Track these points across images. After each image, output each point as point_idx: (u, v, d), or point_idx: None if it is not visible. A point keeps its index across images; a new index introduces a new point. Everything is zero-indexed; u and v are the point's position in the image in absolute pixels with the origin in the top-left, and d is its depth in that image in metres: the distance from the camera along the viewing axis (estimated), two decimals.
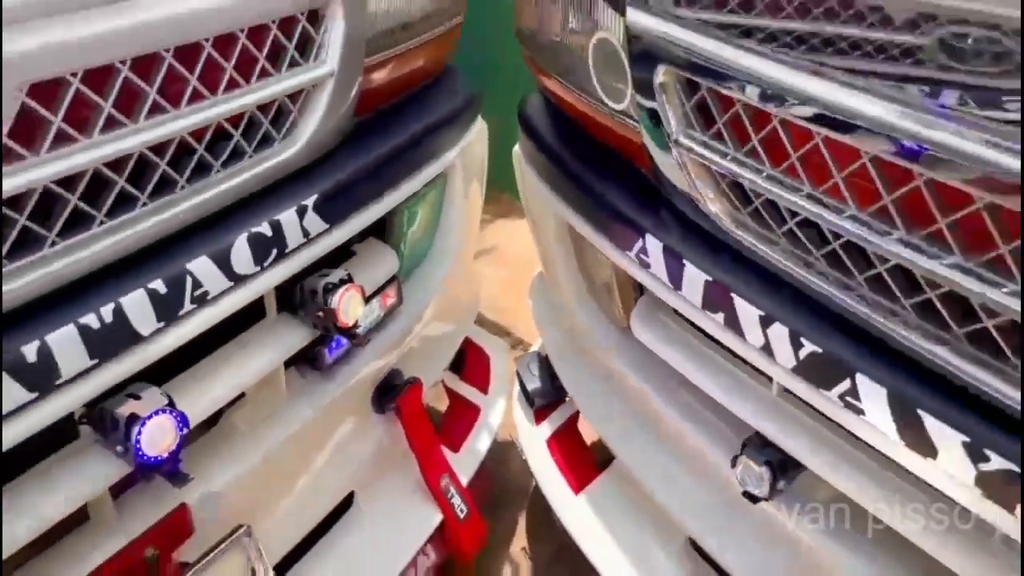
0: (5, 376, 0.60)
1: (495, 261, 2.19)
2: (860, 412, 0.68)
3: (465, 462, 1.21)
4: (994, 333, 0.57)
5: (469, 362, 1.38)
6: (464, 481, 1.16)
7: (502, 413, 1.33)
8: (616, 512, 1.11)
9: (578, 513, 1.13)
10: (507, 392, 1.35)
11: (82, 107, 0.63)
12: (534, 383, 1.27)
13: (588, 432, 1.27)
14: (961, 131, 0.53)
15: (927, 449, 0.63)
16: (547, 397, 1.27)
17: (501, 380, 1.37)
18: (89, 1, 0.61)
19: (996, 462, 0.59)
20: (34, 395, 0.62)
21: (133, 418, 0.68)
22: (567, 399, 1.27)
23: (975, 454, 0.60)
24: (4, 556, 0.65)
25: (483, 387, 1.34)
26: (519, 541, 1.41)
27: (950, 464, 0.62)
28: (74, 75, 0.61)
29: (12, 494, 0.67)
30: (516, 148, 1.18)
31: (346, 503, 1.09)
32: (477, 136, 1.21)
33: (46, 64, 0.59)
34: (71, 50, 0.60)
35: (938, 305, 0.60)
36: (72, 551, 0.75)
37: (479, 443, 1.25)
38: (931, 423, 0.63)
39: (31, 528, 0.67)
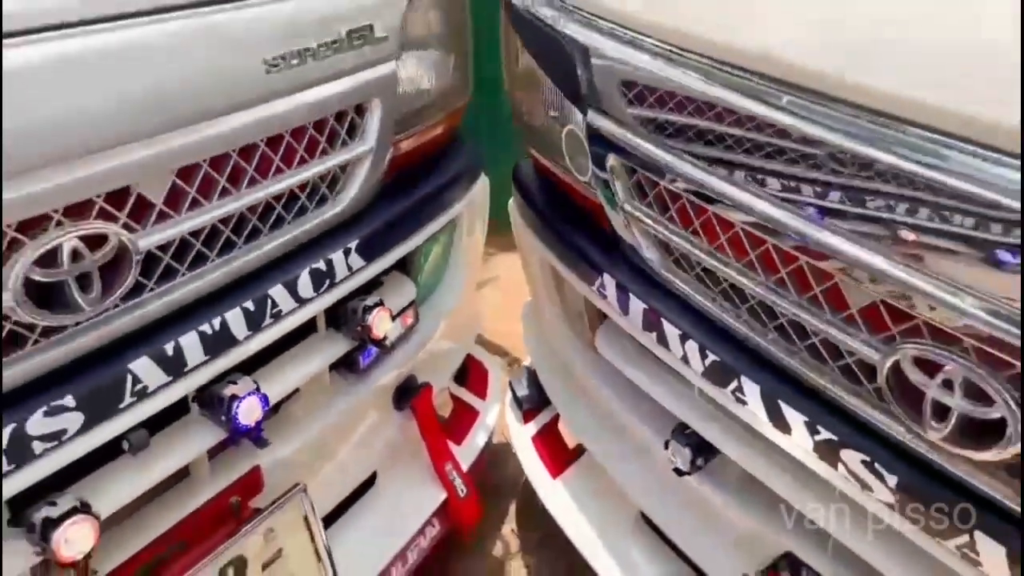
0: (151, 362, 0.89)
1: (497, 288, 2.48)
2: (744, 403, 0.96)
3: (466, 453, 1.50)
4: (822, 350, 0.85)
5: (471, 374, 1.66)
6: (464, 468, 1.44)
7: (497, 416, 1.61)
8: (584, 493, 1.40)
9: (555, 493, 1.42)
10: (501, 399, 1.64)
11: (206, 183, 0.93)
12: (523, 391, 1.56)
13: (567, 434, 1.55)
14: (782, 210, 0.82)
15: (785, 428, 0.91)
16: (533, 403, 1.55)
17: (496, 389, 1.65)
18: (216, 109, 0.91)
19: (824, 434, 0.87)
20: (169, 379, 0.91)
21: (233, 397, 0.97)
22: (550, 405, 1.55)
23: (811, 429, 0.88)
24: (143, 491, 0.93)
25: (482, 394, 1.63)
26: (510, 524, 1.68)
27: (799, 438, 0.90)
28: (204, 161, 0.92)
29: (145, 453, 0.95)
30: (511, 202, 1.47)
31: (370, 481, 1.38)
32: (480, 190, 1.51)
33: (188, 154, 0.89)
34: (202, 144, 0.90)
35: (789, 330, 0.88)
36: (177, 499, 1.03)
37: (478, 439, 1.54)
38: (787, 410, 0.91)
39: (158, 476, 0.96)
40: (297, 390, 1.17)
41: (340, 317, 1.19)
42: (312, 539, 1.12)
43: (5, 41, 0.71)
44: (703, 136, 0.92)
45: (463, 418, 1.58)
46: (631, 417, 1.23)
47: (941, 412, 0.72)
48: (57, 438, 0.81)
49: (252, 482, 1.07)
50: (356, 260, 1.15)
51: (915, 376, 0.73)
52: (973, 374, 0.68)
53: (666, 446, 1.13)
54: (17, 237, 0.75)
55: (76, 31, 0.76)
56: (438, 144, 1.40)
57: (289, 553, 1.08)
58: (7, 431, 0.77)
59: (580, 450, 1.47)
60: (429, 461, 1.40)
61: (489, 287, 2.47)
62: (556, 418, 1.54)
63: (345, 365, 1.25)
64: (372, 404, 1.31)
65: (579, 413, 1.40)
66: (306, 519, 1.11)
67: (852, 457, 0.84)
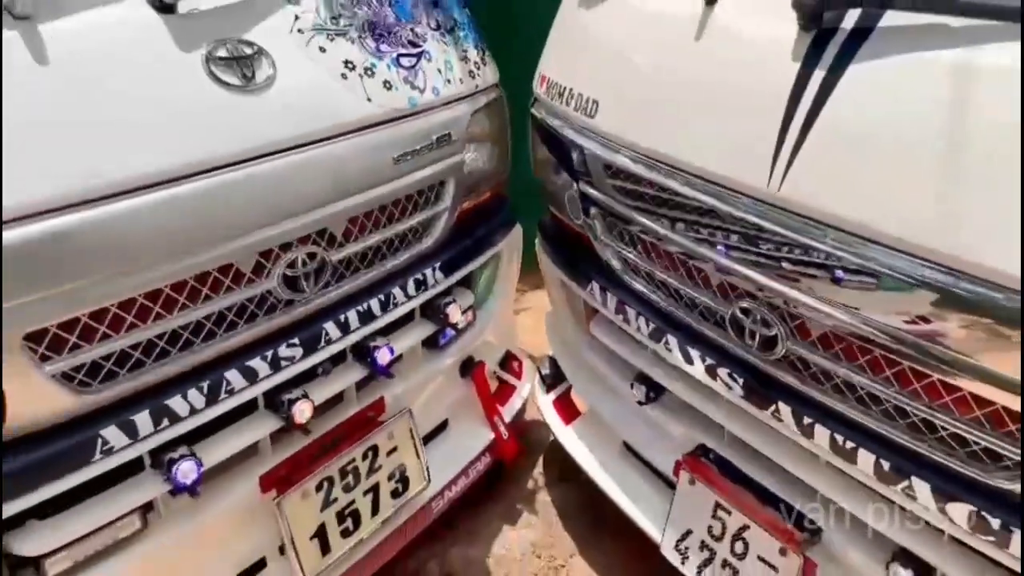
0: (335, 325, 1.61)
1: (530, 315, 3.18)
2: (670, 351, 1.65)
3: (507, 412, 2.19)
4: (707, 314, 1.54)
5: (511, 363, 2.36)
6: (507, 420, 2.13)
7: (529, 391, 2.30)
8: (585, 434, 2.08)
9: (566, 435, 2.10)
10: (532, 381, 2.33)
11: (362, 225, 1.66)
12: (546, 371, 2.25)
13: (575, 400, 2.23)
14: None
15: (691, 362, 1.60)
16: (553, 379, 2.25)
17: (528, 375, 2.34)
18: (368, 185, 1.64)
19: (708, 361, 1.55)
20: (341, 335, 1.63)
21: (375, 348, 1.68)
22: (564, 380, 2.24)
23: (702, 360, 1.57)
24: (326, 398, 1.64)
25: (518, 376, 2.32)
26: (538, 470, 2.36)
27: (698, 367, 1.58)
28: (361, 214, 1.65)
29: (328, 376, 1.66)
30: (537, 242, 2.18)
31: (443, 426, 2.08)
32: (515, 234, 2.22)
33: (353, 210, 1.62)
34: (360, 205, 1.63)
35: (691, 304, 1.58)
36: (338, 412, 1.74)
37: (515, 403, 2.23)
38: (691, 351, 1.59)
39: (331, 392, 1.66)
40: (400, 356, 1.88)
41: (429, 310, 1.90)
42: (414, 443, 1.82)
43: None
44: (647, 198, 1.64)
45: (505, 391, 2.27)
46: (611, 372, 1.91)
47: (751, 335, 1.41)
48: (290, 360, 1.53)
49: (379, 405, 1.78)
50: (439, 275, 1.87)
51: (740, 316, 1.42)
52: (763, 312, 1.38)
53: (631, 386, 1.82)
54: (278, 252, 1.48)
55: (302, 149, 1.50)
56: (488, 204, 2.13)
57: (401, 449, 1.79)
58: (281, 349, 1.49)
59: (580, 412, 2.16)
60: (483, 414, 2.10)
61: (524, 314, 3.18)
62: (568, 390, 2.23)
63: (431, 343, 1.96)
64: (446, 371, 2.01)
65: (582, 380, 2.10)
66: (411, 430, 1.81)
67: (723, 372, 1.52)
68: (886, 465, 1.28)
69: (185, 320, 1.35)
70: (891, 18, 1.17)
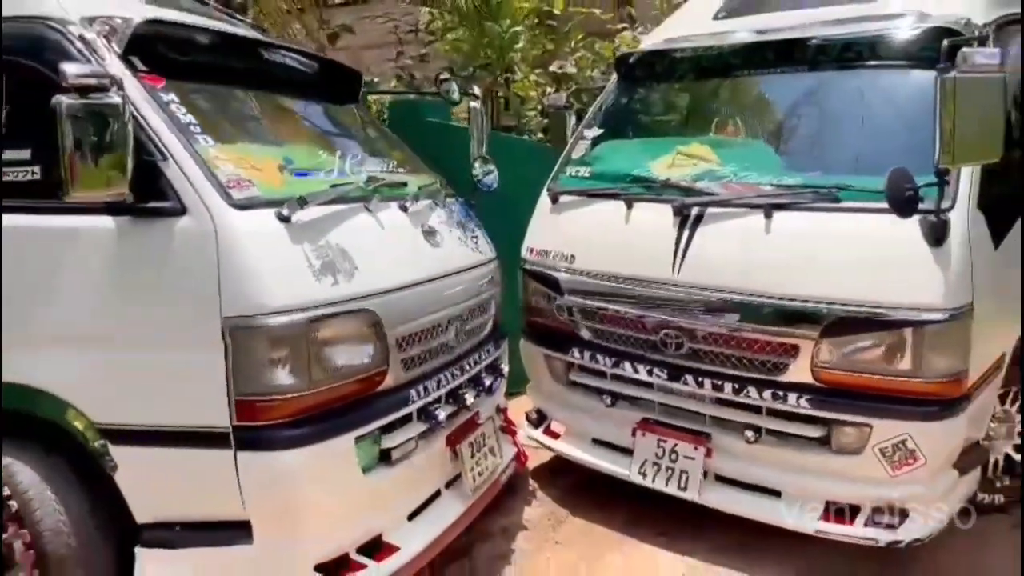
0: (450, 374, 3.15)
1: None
2: (628, 370, 3.36)
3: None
4: (644, 348, 3.30)
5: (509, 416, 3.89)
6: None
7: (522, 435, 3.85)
8: (568, 441, 3.66)
9: (557, 444, 3.67)
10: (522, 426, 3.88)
11: None
12: (533, 416, 3.83)
13: (555, 429, 3.81)
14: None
15: (639, 373, 3.31)
16: (539, 420, 3.82)
17: (522, 421, 3.89)
18: (473, 295, 3.26)
19: (644, 374, 3.28)
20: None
21: (487, 379, 3.23)
22: (546, 419, 3.81)
23: (648, 372, 3.29)
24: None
25: (516, 425, 3.86)
26: (535, 480, 3.85)
27: (644, 374, 3.31)
28: None
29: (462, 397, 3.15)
30: (520, 342, 3.83)
31: None
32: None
33: (469, 308, 3.24)
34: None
35: (634, 342, 3.33)
36: (454, 420, 3.20)
37: (519, 436, 3.77)
38: (639, 368, 3.32)
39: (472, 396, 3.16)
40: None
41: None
42: (507, 432, 3.32)
43: None
44: (607, 297, 3.41)
45: (511, 427, 3.80)
46: (585, 399, 3.56)
47: (670, 346, 3.18)
48: (460, 376, 3.04)
49: (473, 421, 3.26)
50: (492, 348, 3.45)
51: (663, 338, 3.19)
52: (674, 334, 3.17)
53: (601, 397, 3.47)
54: (451, 321, 3.04)
55: (458, 274, 3.11)
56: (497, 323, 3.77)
57: (487, 434, 3.28)
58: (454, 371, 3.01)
59: (559, 435, 3.76)
60: (511, 438, 3.62)
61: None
62: (549, 424, 3.81)
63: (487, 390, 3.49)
64: (491, 407, 3.53)
65: (559, 414, 3.71)
66: (503, 423, 3.32)
67: (656, 370, 3.26)
68: (733, 387, 3.05)
69: (436, 343, 2.87)
70: (711, 211, 3.11)
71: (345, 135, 3.42)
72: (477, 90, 3.87)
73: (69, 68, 2.17)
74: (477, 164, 3.67)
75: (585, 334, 3.48)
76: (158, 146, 2.35)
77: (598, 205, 3.48)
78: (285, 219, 2.42)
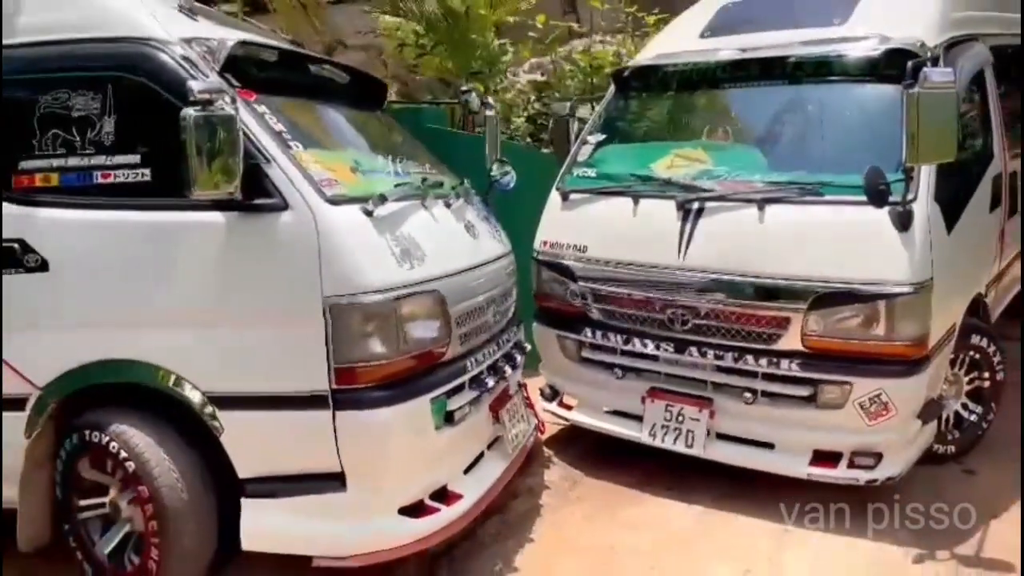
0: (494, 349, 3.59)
1: None
2: (639, 346, 3.83)
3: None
4: (652, 325, 3.78)
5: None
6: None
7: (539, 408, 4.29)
8: (581, 411, 4.12)
9: (571, 415, 4.13)
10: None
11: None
12: (548, 391, 4.28)
13: (567, 401, 4.27)
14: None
15: (646, 348, 3.80)
16: (552, 394, 4.27)
17: (536, 398, 4.33)
18: (502, 282, 3.70)
19: (650, 348, 3.77)
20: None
21: (517, 356, 3.67)
22: (559, 394, 4.27)
23: (656, 346, 3.78)
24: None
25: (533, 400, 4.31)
26: (549, 449, 4.30)
27: (651, 349, 3.79)
28: None
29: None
30: (534, 325, 4.27)
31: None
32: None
33: (504, 294, 3.68)
34: None
35: (639, 321, 3.81)
36: (494, 390, 3.63)
37: (536, 408, 4.21)
38: (648, 344, 3.80)
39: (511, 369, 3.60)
40: None
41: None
42: (528, 406, 3.76)
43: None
44: (615, 285, 3.88)
45: (529, 400, 4.23)
46: (597, 374, 4.02)
47: (677, 322, 3.67)
48: (495, 352, 3.47)
49: (508, 387, 3.70)
50: (517, 328, 3.89)
51: (671, 316, 3.69)
52: (681, 311, 3.66)
53: (613, 370, 3.94)
54: (489, 301, 3.47)
55: (491, 263, 3.55)
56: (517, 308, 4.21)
57: (518, 406, 3.72)
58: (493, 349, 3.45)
59: (571, 407, 4.21)
60: (533, 410, 4.06)
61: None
62: (561, 397, 4.26)
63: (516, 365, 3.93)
64: (515, 381, 3.96)
65: (571, 389, 4.17)
66: (524, 397, 3.76)
67: (663, 344, 3.75)
68: (732, 356, 3.55)
69: (480, 322, 3.29)
70: (711, 205, 3.62)
71: (385, 139, 3.82)
72: (491, 99, 4.29)
73: (195, 84, 2.55)
74: (495, 166, 4.10)
75: (597, 315, 3.94)
76: (261, 151, 2.72)
77: (607, 202, 3.96)
78: (369, 213, 2.82)
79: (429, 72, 6.92)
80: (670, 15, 8.67)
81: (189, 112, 2.49)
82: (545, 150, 6.28)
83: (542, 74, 6.55)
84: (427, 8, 7.34)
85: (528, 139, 6.28)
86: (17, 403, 2.90)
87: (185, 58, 2.80)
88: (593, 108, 5.56)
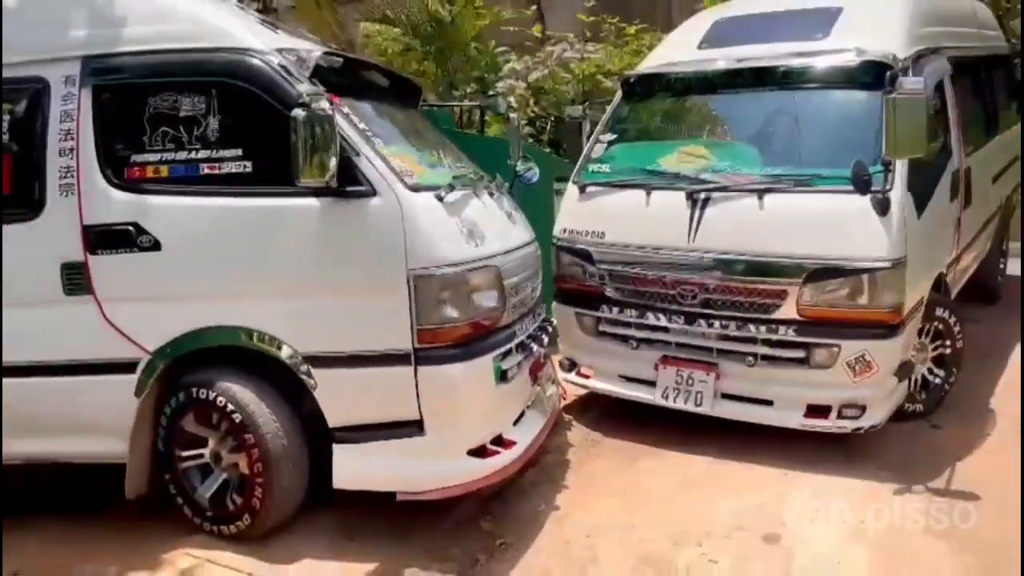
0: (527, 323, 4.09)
1: None
2: (652, 320, 4.36)
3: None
4: (663, 301, 4.32)
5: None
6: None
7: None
8: (598, 379, 4.64)
9: (590, 383, 4.65)
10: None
11: None
12: (566, 363, 4.79)
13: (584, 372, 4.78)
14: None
15: (660, 321, 4.33)
16: (571, 365, 4.78)
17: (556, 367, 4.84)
18: (533, 264, 4.21)
19: (663, 321, 4.30)
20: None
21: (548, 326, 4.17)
22: (577, 366, 4.78)
23: (668, 319, 4.31)
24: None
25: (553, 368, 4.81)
26: (570, 415, 4.81)
27: (664, 321, 4.32)
28: None
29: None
30: (553, 305, 4.78)
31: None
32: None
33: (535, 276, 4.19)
34: None
35: (653, 297, 4.35)
36: (533, 356, 4.13)
37: (558, 376, 4.72)
38: (660, 317, 4.33)
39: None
40: None
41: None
42: (554, 370, 4.27)
43: None
44: (631, 266, 4.41)
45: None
46: (614, 346, 4.55)
47: (687, 297, 4.21)
48: (529, 327, 3.97)
49: (542, 360, 4.20)
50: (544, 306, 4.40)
51: (681, 293, 4.23)
52: (690, 287, 4.20)
53: (627, 341, 4.47)
54: (517, 286, 3.97)
55: (522, 248, 4.05)
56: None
57: (550, 371, 4.23)
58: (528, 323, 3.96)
59: (589, 376, 4.73)
60: (554, 377, 4.57)
61: None
62: (579, 368, 4.76)
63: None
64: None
65: (587, 360, 4.69)
66: (552, 366, 4.27)
67: (674, 318, 4.28)
68: (736, 325, 4.11)
69: (521, 296, 3.79)
70: (716, 195, 4.17)
71: (430, 135, 4.29)
72: (514, 103, 4.80)
73: (303, 88, 3.01)
74: (520, 163, 4.60)
75: (613, 294, 4.47)
76: (351, 145, 3.19)
77: (622, 193, 4.49)
78: (440, 199, 3.30)
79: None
80: (650, 25, 9.38)
81: (299, 112, 2.95)
82: (545, 150, 6.79)
83: (525, 82, 7.06)
84: (413, 16, 7.83)
85: (528, 140, 6.79)
86: (128, 367, 3.32)
87: (282, 66, 3.25)
88: (586, 111, 6.12)
